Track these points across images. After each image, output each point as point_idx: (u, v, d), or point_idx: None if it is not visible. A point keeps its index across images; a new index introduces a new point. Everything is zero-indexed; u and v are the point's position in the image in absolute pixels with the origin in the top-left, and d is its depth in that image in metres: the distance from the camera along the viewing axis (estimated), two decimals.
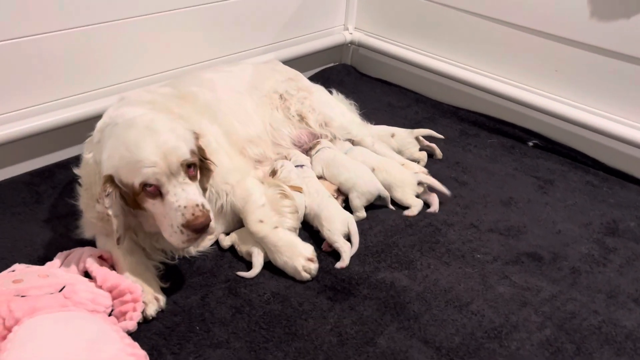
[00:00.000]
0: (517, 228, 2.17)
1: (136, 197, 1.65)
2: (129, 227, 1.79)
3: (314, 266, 1.86)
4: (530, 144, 2.77)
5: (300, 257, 1.86)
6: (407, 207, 2.21)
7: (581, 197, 2.38)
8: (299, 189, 2.09)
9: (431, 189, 2.27)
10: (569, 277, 1.94)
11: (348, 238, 1.99)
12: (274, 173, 2.18)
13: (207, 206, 1.67)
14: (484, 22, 2.85)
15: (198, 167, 1.73)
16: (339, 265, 1.91)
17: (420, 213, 2.19)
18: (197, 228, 1.62)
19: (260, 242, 1.91)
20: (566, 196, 2.39)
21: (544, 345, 1.67)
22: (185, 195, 1.62)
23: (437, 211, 2.21)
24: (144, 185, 1.61)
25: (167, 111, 1.87)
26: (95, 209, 1.74)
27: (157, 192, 1.63)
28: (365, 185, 2.15)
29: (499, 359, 1.62)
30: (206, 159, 1.80)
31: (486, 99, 2.95)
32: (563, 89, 2.68)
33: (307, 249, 1.89)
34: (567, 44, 2.60)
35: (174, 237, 1.65)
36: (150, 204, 1.66)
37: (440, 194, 2.26)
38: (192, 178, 1.68)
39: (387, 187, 2.22)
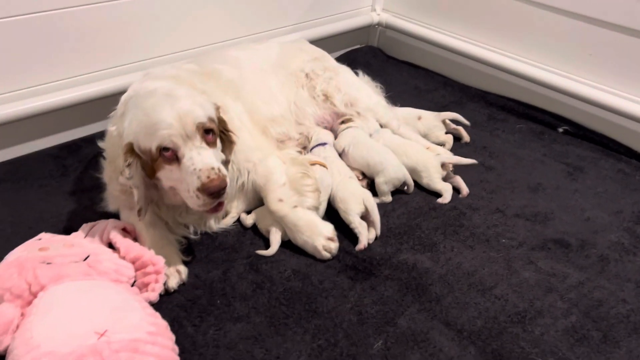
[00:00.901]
0: (544, 214, 2.12)
1: (154, 163, 1.65)
2: (151, 200, 1.80)
3: (334, 245, 1.85)
4: (561, 130, 2.70)
5: (320, 237, 1.84)
6: (433, 192, 2.18)
7: (612, 185, 2.32)
8: (322, 164, 2.07)
9: (455, 171, 2.23)
10: (597, 264, 1.90)
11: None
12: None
13: (224, 171, 1.66)
14: (515, 3, 2.77)
15: (217, 135, 1.73)
16: (358, 247, 1.89)
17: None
18: (213, 191, 1.60)
19: (280, 221, 1.90)
20: (596, 183, 2.32)
21: (569, 332, 1.63)
22: (200, 158, 1.62)
23: (466, 193, 2.17)
24: (161, 149, 1.62)
25: (190, 86, 1.87)
26: (119, 181, 1.75)
27: (174, 157, 1.63)
28: (394, 171, 2.12)
29: (522, 343, 1.59)
30: (228, 130, 1.79)
31: (516, 83, 2.88)
32: (597, 74, 2.60)
33: (327, 228, 1.87)
34: (603, 27, 2.52)
35: (190, 201, 1.65)
36: (168, 171, 1.65)
37: (466, 179, 2.22)
38: (210, 144, 1.68)
39: (411, 173, 2.19)
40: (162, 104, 1.63)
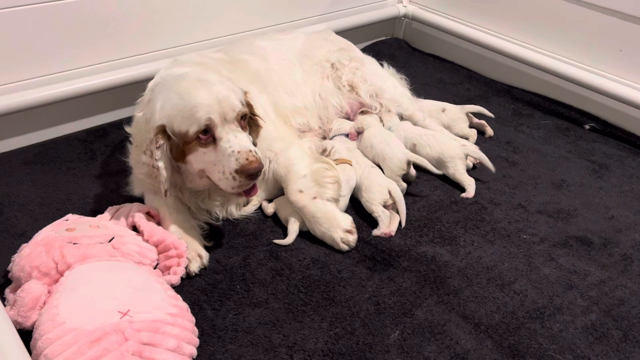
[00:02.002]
0: (567, 211, 2.10)
1: (185, 146, 1.68)
2: (176, 184, 1.83)
3: (352, 238, 1.86)
4: (587, 126, 2.66)
5: (339, 229, 1.85)
6: (454, 186, 2.18)
7: (638, 183, 2.28)
8: (348, 162, 2.08)
9: (475, 168, 2.23)
10: (619, 263, 1.87)
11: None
12: (323, 152, 2.17)
13: (259, 153, 1.70)
14: None
15: (247, 119, 1.76)
16: (375, 232, 1.90)
17: (463, 190, 2.15)
18: (251, 173, 1.65)
19: (299, 211, 1.91)
20: (622, 182, 2.28)
21: (589, 330, 1.62)
22: (238, 141, 1.66)
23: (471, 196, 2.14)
24: (199, 133, 1.65)
25: (216, 73, 1.89)
26: (141, 160, 1.77)
27: (210, 139, 1.67)
28: (394, 155, 2.12)
29: (540, 339, 1.59)
30: (255, 114, 1.82)
31: (542, 78, 2.84)
32: (627, 70, 2.54)
33: (346, 221, 1.88)
34: (635, 22, 2.46)
35: (223, 183, 1.69)
36: (201, 153, 1.69)
37: (485, 172, 2.20)
38: (243, 129, 1.72)
39: (438, 163, 2.18)
40: (198, 87, 1.67)
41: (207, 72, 1.78)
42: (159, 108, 1.69)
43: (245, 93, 1.81)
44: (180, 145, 1.69)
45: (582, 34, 2.65)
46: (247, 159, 1.64)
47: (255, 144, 1.85)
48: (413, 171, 2.14)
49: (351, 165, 2.08)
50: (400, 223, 1.95)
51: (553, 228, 2.01)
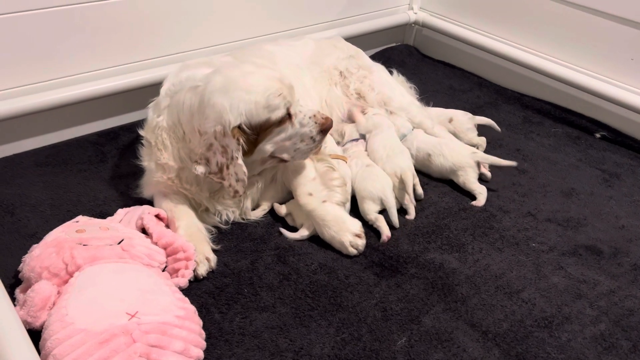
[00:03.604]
0: (576, 220, 2.08)
1: (261, 134, 1.78)
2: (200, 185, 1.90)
3: (361, 242, 1.86)
4: (598, 135, 2.64)
5: (348, 233, 1.85)
6: (464, 193, 2.17)
7: None
8: (343, 159, 2.09)
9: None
10: (629, 273, 1.85)
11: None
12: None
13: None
14: (554, 4, 2.72)
15: None
16: (381, 241, 1.91)
17: (473, 198, 2.15)
18: (330, 126, 1.89)
19: (308, 215, 1.91)
20: (633, 191, 2.27)
21: (597, 340, 1.61)
22: (306, 109, 1.86)
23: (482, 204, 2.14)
24: (281, 116, 1.77)
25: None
26: (195, 170, 1.76)
27: (286, 117, 1.79)
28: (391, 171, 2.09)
29: (548, 348, 1.58)
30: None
31: (553, 86, 2.83)
32: (639, 79, 2.53)
33: (355, 225, 1.88)
34: None
35: (301, 150, 1.87)
36: (276, 133, 1.80)
37: (498, 182, 2.20)
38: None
39: (449, 172, 2.18)
40: (255, 77, 1.75)
41: (235, 65, 1.84)
42: (229, 109, 1.69)
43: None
44: (253, 137, 1.76)
45: (594, 42, 2.64)
46: (323, 117, 1.85)
47: None
48: (420, 189, 2.11)
49: (346, 162, 2.09)
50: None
51: (562, 237, 1.99)
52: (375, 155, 2.15)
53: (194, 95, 1.76)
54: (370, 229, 1.96)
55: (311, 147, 1.88)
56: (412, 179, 2.04)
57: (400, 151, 2.15)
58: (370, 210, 1.96)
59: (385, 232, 1.91)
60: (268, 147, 1.82)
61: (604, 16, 2.57)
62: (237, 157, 1.73)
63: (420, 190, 2.10)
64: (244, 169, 1.75)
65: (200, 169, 1.76)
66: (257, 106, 1.72)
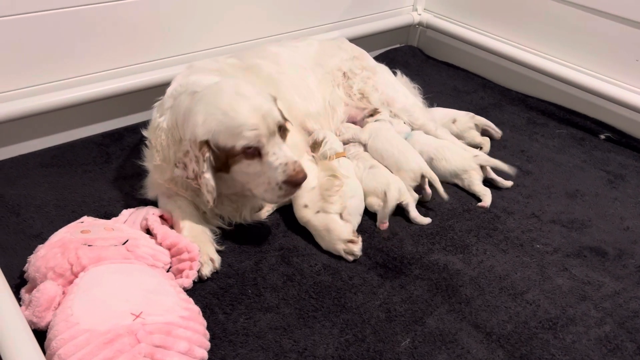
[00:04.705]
0: (581, 221, 2.08)
1: (230, 159, 1.72)
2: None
3: (356, 247, 1.84)
4: (602, 136, 2.64)
5: (339, 241, 1.84)
6: (468, 194, 2.18)
7: None
8: (342, 155, 2.11)
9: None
10: (634, 275, 1.85)
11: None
12: (315, 144, 2.16)
13: (300, 161, 1.75)
14: (559, 5, 2.72)
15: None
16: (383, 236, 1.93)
17: (478, 200, 2.14)
18: (299, 182, 1.73)
19: (305, 226, 1.92)
20: (638, 192, 2.26)
21: (602, 342, 1.60)
22: (283, 153, 1.72)
23: (510, 185, 2.19)
24: (246, 148, 1.68)
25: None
26: (174, 173, 1.79)
27: (256, 152, 1.71)
28: (409, 166, 2.09)
29: (553, 350, 1.57)
30: (285, 119, 1.84)
31: (557, 87, 2.83)
32: None
33: (345, 231, 1.85)
34: None
35: (269, 193, 1.75)
36: (246, 165, 1.72)
37: (504, 175, 2.20)
38: (283, 138, 1.76)
39: (453, 176, 2.18)
40: (239, 102, 1.69)
41: (240, 81, 1.80)
42: (201, 123, 1.69)
43: (275, 99, 1.83)
44: (223, 157, 1.72)
45: (598, 44, 2.64)
46: (293, 170, 1.71)
47: None
48: (429, 190, 2.09)
49: (346, 157, 2.13)
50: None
51: (567, 238, 1.99)
52: (383, 154, 2.16)
53: (190, 101, 1.77)
54: (373, 231, 1.96)
55: (278, 195, 1.75)
56: (432, 172, 2.09)
57: (408, 149, 2.17)
58: (373, 203, 2.00)
59: (385, 223, 1.96)
60: (238, 173, 1.76)
61: (608, 17, 2.56)
62: (203, 171, 1.70)
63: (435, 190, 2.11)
64: (212, 182, 1.72)
65: (177, 172, 1.77)
66: (227, 131, 1.67)
